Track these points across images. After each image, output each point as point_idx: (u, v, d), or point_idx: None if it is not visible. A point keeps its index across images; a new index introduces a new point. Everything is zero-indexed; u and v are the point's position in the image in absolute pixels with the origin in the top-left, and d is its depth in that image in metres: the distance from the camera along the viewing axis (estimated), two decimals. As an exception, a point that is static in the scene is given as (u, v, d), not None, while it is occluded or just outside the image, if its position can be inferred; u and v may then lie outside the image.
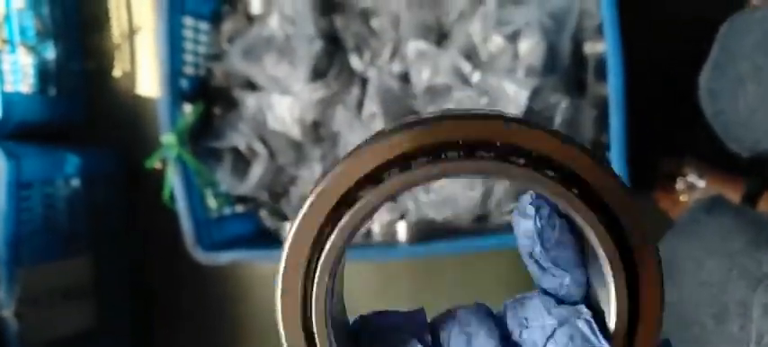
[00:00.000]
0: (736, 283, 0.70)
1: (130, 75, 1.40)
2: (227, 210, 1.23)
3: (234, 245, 1.17)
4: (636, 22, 1.04)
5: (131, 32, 1.40)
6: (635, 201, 0.30)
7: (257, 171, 1.17)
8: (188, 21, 1.18)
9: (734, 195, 1.12)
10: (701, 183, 1.18)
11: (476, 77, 1.08)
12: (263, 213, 1.24)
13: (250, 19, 1.20)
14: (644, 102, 1.05)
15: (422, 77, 1.10)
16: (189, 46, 1.18)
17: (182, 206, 1.14)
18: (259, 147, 1.17)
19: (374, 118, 1.12)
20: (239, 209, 1.25)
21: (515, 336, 0.32)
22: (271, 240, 1.23)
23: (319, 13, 1.13)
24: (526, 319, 0.33)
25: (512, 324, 0.33)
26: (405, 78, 1.13)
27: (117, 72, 1.41)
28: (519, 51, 1.07)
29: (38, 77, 1.31)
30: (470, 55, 1.09)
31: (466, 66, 1.08)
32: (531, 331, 0.32)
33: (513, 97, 1.05)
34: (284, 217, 1.22)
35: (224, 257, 1.15)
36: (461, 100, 1.09)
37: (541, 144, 0.29)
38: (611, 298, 0.30)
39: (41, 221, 1.26)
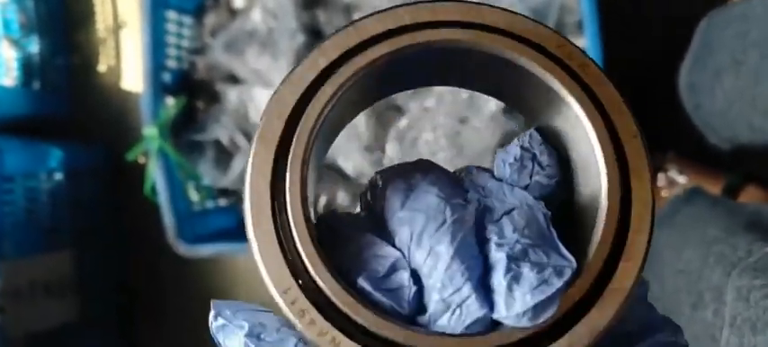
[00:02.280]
0: (712, 270, 0.70)
1: (115, 70, 1.40)
2: (210, 204, 1.23)
3: (217, 239, 1.17)
4: (616, 17, 1.05)
5: (116, 27, 1.40)
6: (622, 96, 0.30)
7: (239, 164, 1.17)
8: (171, 15, 1.18)
9: (714, 189, 1.13)
10: (682, 179, 1.18)
11: (457, 71, 1.08)
12: (246, 207, 1.24)
13: (233, 13, 1.20)
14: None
15: (403, 71, 1.10)
16: (172, 40, 1.19)
17: (163, 199, 1.14)
18: (241, 141, 1.17)
19: (356, 112, 1.12)
20: (222, 202, 1.25)
21: (468, 197, 0.31)
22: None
23: (302, 7, 1.13)
24: (484, 188, 0.31)
25: (468, 184, 0.32)
26: (387, 72, 1.13)
27: (101, 66, 1.41)
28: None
29: (22, 71, 1.31)
30: (452, 49, 1.09)
31: (447, 60, 1.08)
32: (488, 200, 0.30)
33: (494, 91, 1.05)
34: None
35: (206, 250, 1.15)
36: (442, 93, 1.09)
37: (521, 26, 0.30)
38: (602, 190, 0.29)
39: (24, 215, 1.26)
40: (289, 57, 1.12)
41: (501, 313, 0.28)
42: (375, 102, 0.35)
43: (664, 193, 1.19)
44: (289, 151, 0.29)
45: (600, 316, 0.28)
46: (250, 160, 0.30)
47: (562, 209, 0.32)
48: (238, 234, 1.24)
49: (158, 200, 1.14)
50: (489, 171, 0.33)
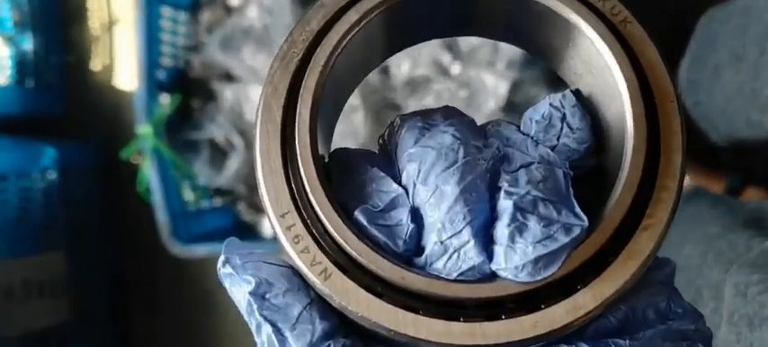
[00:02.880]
0: (710, 267, 0.69)
1: (109, 68, 1.39)
2: (205, 203, 1.21)
3: (212, 238, 1.16)
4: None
5: (110, 24, 1.39)
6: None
7: (234, 163, 1.16)
8: (166, 11, 1.16)
9: (716, 190, 1.12)
10: (685, 179, 1.17)
11: (456, 69, 1.07)
12: (241, 206, 1.22)
13: (228, 10, 1.19)
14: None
15: (402, 70, 1.09)
16: (167, 37, 1.17)
17: (157, 198, 1.12)
18: (236, 139, 1.16)
19: (354, 110, 1.11)
20: (217, 202, 1.23)
21: (487, 143, 0.29)
22: (248, 233, 1.22)
23: (298, 3, 1.12)
24: (508, 139, 0.30)
25: (491, 133, 0.30)
26: (385, 70, 1.11)
27: (96, 64, 1.40)
28: (499, 43, 1.06)
29: (15, 69, 1.30)
30: (451, 47, 1.08)
31: (446, 58, 1.07)
32: (509, 150, 0.29)
33: (493, 89, 1.04)
34: (262, 211, 1.21)
35: (200, 250, 1.13)
36: (441, 92, 1.08)
37: None
38: (628, 127, 0.28)
39: (17, 214, 1.24)
40: (285, 55, 1.11)
41: (499, 264, 0.27)
42: (390, 53, 0.34)
43: (664, 193, 1.18)
44: (305, 72, 0.29)
45: (609, 282, 0.27)
46: (267, 78, 0.30)
47: (591, 179, 0.31)
48: (234, 234, 1.23)
49: (152, 200, 1.12)
50: (517, 125, 0.31)
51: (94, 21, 1.39)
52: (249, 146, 1.17)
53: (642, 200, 0.28)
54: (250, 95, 1.15)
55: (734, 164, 1.12)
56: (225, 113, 1.17)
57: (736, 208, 0.78)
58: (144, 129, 1.12)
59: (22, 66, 1.31)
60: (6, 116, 1.29)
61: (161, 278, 1.37)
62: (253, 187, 1.20)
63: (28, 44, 1.32)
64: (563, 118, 0.30)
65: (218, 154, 1.18)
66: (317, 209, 0.27)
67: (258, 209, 1.21)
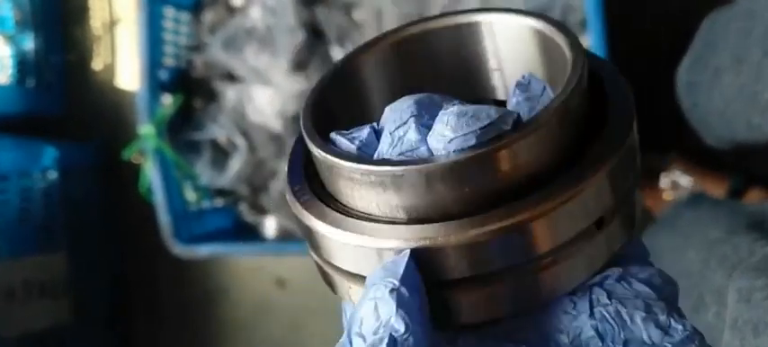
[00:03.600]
0: (713, 271, 0.69)
1: (111, 68, 1.38)
2: (206, 204, 1.21)
3: (213, 239, 1.16)
4: (619, 16, 1.03)
5: (112, 23, 1.38)
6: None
7: (236, 164, 1.15)
8: (169, 12, 1.16)
9: (718, 192, 1.12)
10: (686, 180, 1.17)
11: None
12: (243, 207, 1.22)
13: (231, 10, 1.19)
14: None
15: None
16: (169, 37, 1.17)
17: (159, 198, 1.12)
18: (239, 140, 1.16)
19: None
20: (219, 202, 1.23)
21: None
22: (250, 234, 1.22)
23: (301, 4, 1.12)
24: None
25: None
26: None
27: (97, 64, 1.39)
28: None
29: (16, 68, 1.30)
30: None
31: (448, 60, 1.07)
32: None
33: (497, 91, 1.04)
34: (264, 212, 1.21)
35: (202, 250, 1.13)
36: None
37: None
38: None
39: (18, 214, 1.24)
40: (287, 55, 1.11)
41: (431, 143, 0.28)
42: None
43: (667, 196, 1.18)
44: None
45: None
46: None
47: None
48: (235, 234, 1.23)
49: (154, 200, 1.12)
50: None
51: (96, 20, 1.39)
52: (252, 147, 1.16)
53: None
54: (253, 96, 1.14)
55: (735, 165, 1.12)
56: (227, 114, 1.16)
57: (738, 210, 0.78)
58: (146, 130, 1.12)
59: (22, 65, 1.31)
60: (7, 115, 1.29)
61: (162, 278, 1.37)
62: (255, 188, 1.20)
63: (29, 43, 1.31)
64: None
65: (220, 154, 1.18)
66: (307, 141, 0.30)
67: (260, 209, 1.21)
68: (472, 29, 0.33)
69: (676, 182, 1.17)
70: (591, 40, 0.99)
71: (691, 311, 0.70)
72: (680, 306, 0.31)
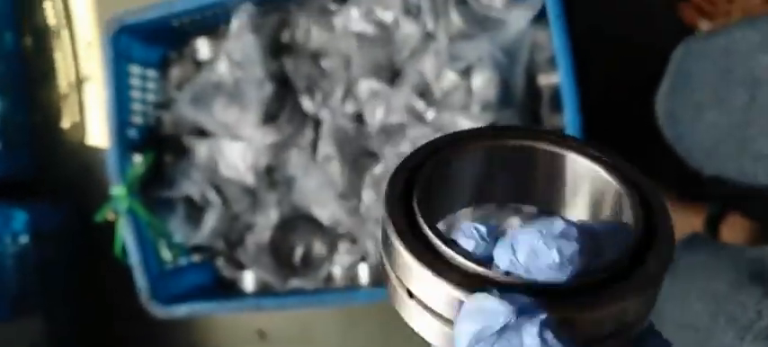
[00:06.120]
0: (723, 331, 0.68)
1: (79, 126, 1.36)
2: (183, 261, 1.19)
3: (192, 297, 1.14)
4: (588, 50, 1.03)
5: (79, 83, 1.37)
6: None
7: (211, 219, 1.14)
8: (135, 69, 1.15)
9: (696, 220, 1.12)
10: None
11: (430, 115, 1.06)
12: (220, 262, 1.21)
13: (198, 64, 1.18)
14: (602, 131, 1.04)
15: (376, 117, 1.08)
16: (137, 94, 1.16)
17: (135, 259, 1.10)
18: (212, 195, 1.14)
19: (329, 160, 1.10)
20: (195, 258, 1.21)
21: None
22: (229, 289, 1.20)
23: (268, 55, 1.11)
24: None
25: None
26: (358, 118, 1.10)
27: (65, 123, 1.37)
28: (472, 86, 1.05)
29: (-19, 132, 1.28)
30: (424, 92, 1.07)
31: (419, 104, 1.06)
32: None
33: (469, 133, 1.03)
34: (241, 266, 1.19)
35: (180, 310, 1.11)
36: (417, 138, 1.07)
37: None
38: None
39: (-10, 281, 1.22)
40: (257, 108, 1.09)
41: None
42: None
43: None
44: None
45: None
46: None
47: None
48: (215, 289, 1.21)
49: (129, 261, 1.10)
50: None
51: (62, 80, 1.37)
52: (225, 201, 1.15)
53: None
54: (224, 150, 1.13)
55: (713, 190, 1.12)
56: (199, 169, 1.15)
57: (738, 258, 0.77)
58: (117, 190, 1.10)
59: (-12, 128, 1.29)
60: (-26, 181, 1.27)
61: (142, 339, 1.35)
62: (231, 243, 1.18)
63: (-6, 107, 1.29)
64: None
65: (194, 211, 1.16)
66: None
67: (238, 264, 1.19)
68: (556, 158, 0.36)
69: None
70: (560, 78, 0.98)
71: None
72: None
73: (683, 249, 0.92)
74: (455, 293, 0.29)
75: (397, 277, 0.32)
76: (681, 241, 0.96)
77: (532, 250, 0.28)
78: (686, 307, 0.76)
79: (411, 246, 0.31)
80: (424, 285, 0.31)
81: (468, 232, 0.32)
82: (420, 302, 0.31)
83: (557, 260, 0.28)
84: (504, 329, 0.27)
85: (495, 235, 0.31)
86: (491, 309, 0.27)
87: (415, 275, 0.31)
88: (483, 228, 0.32)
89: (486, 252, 0.31)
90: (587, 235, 0.29)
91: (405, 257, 0.31)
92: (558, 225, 0.29)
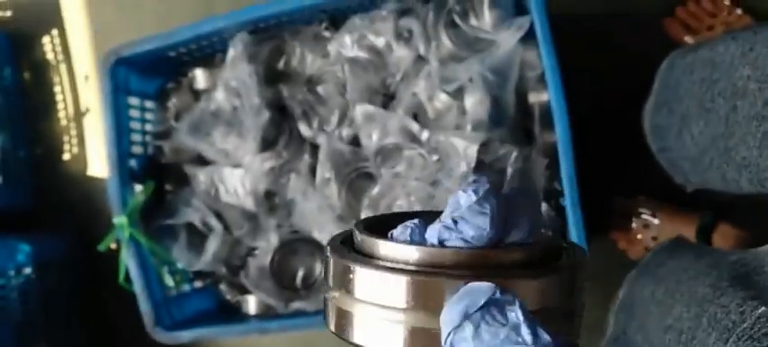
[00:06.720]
0: (707, 333, 0.69)
1: (80, 158, 1.38)
2: (186, 287, 1.21)
3: (196, 322, 1.15)
4: (577, 66, 1.06)
5: (78, 115, 1.39)
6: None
7: (213, 245, 1.15)
8: (133, 101, 1.17)
9: (688, 230, 1.14)
10: (656, 221, 1.19)
11: (425, 135, 1.08)
12: (223, 287, 1.22)
13: (196, 94, 1.20)
14: (593, 145, 1.06)
15: (372, 140, 1.10)
16: (136, 125, 1.18)
17: (138, 287, 1.12)
18: (213, 222, 1.16)
19: (328, 183, 1.12)
20: (198, 284, 1.23)
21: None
22: (232, 313, 1.22)
23: (265, 83, 1.13)
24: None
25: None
26: (355, 141, 1.13)
27: (66, 155, 1.39)
28: (465, 107, 1.08)
29: (-17, 167, 1.30)
30: (417, 114, 1.09)
31: (414, 126, 1.08)
32: None
33: (464, 152, 1.05)
34: (244, 290, 1.21)
35: (185, 336, 1.13)
36: (412, 158, 1.09)
37: None
38: None
39: (-6, 314, 1.23)
40: (255, 135, 1.12)
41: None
42: None
43: (639, 236, 1.20)
44: None
45: None
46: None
47: None
48: (218, 314, 1.22)
49: (133, 289, 1.12)
50: None
51: (62, 112, 1.39)
52: (227, 227, 1.17)
53: None
54: (224, 177, 1.15)
55: (703, 201, 1.14)
56: (200, 196, 1.17)
57: (720, 260, 0.78)
58: (119, 220, 1.12)
59: (-10, 163, 1.31)
60: (-23, 215, 1.29)
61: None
62: (233, 268, 1.20)
63: (-5, 141, 1.31)
64: None
65: (196, 237, 1.18)
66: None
67: (241, 288, 1.21)
68: None
69: (647, 222, 1.19)
70: (550, 95, 1.01)
71: None
72: None
73: (665, 253, 0.93)
74: (400, 277, 0.35)
75: (346, 291, 0.37)
76: (663, 245, 0.97)
77: (456, 200, 0.36)
78: (669, 310, 0.78)
79: (352, 256, 0.38)
80: (371, 280, 0.36)
81: (402, 228, 0.38)
82: (369, 304, 0.36)
83: (474, 198, 0.35)
84: (486, 303, 0.33)
85: (426, 225, 0.38)
86: (476, 289, 0.33)
87: (359, 276, 0.37)
88: (415, 220, 0.39)
89: (420, 237, 0.38)
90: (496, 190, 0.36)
91: (349, 264, 0.37)
92: (473, 183, 0.36)
